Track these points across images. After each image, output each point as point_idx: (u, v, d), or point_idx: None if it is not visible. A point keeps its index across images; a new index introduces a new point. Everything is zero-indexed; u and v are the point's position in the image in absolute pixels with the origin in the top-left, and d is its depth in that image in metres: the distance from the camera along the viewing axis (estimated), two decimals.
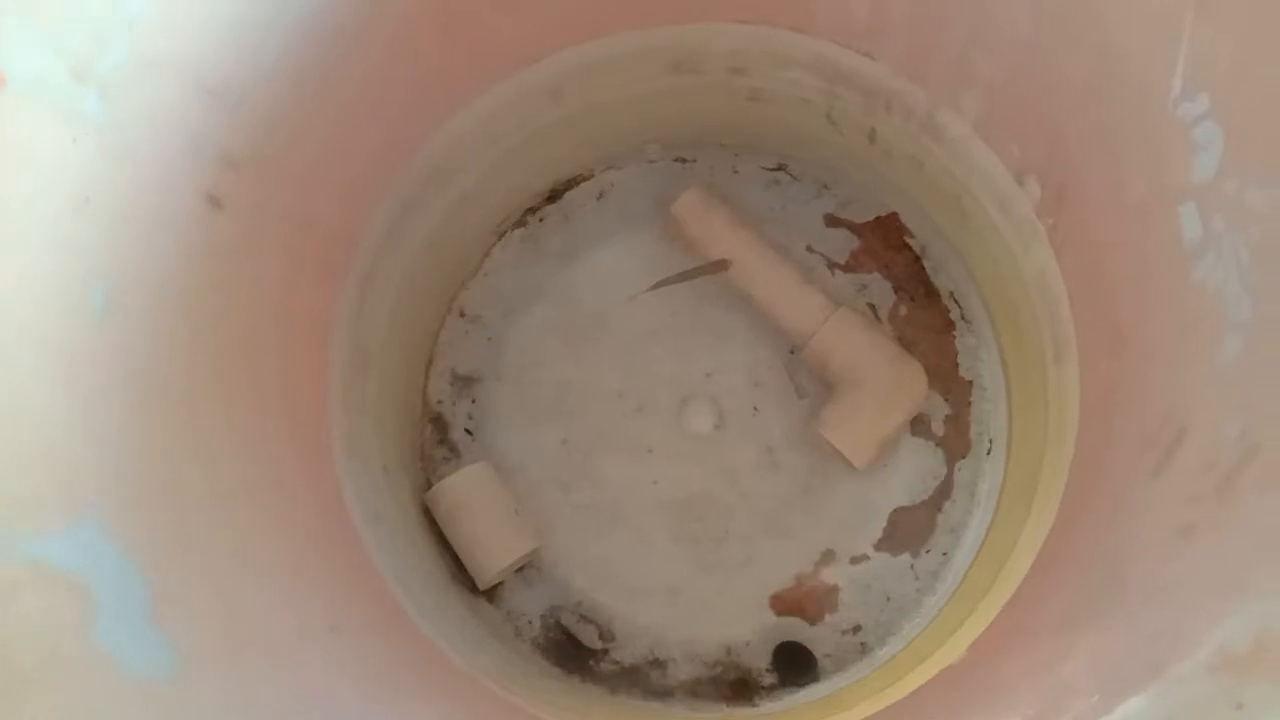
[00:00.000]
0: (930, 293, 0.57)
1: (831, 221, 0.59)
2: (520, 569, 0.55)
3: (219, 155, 0.37)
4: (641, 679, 0.53)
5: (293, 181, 0.42)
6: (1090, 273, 0.43)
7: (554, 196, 0.59)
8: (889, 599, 0.54)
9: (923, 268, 0.57)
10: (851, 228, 0.58)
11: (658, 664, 0.53)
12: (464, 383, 0.58)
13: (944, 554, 0.54)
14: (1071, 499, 0.43)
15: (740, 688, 0.52)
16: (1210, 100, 0.33)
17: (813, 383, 0.56)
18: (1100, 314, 0.42)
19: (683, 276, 0.55)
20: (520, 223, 0.59)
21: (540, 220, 0.59)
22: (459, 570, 0.53)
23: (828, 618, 0.54)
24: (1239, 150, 0.32)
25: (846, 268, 0.58)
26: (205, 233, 0.37)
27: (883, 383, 0.54)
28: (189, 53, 0.35)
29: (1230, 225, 0.33)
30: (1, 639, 0.19)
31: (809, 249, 0.58)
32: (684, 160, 0.60)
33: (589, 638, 0.54)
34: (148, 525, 0.28)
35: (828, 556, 0.55)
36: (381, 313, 0.52)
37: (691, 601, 0.54)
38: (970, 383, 0.56)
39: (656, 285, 0.55)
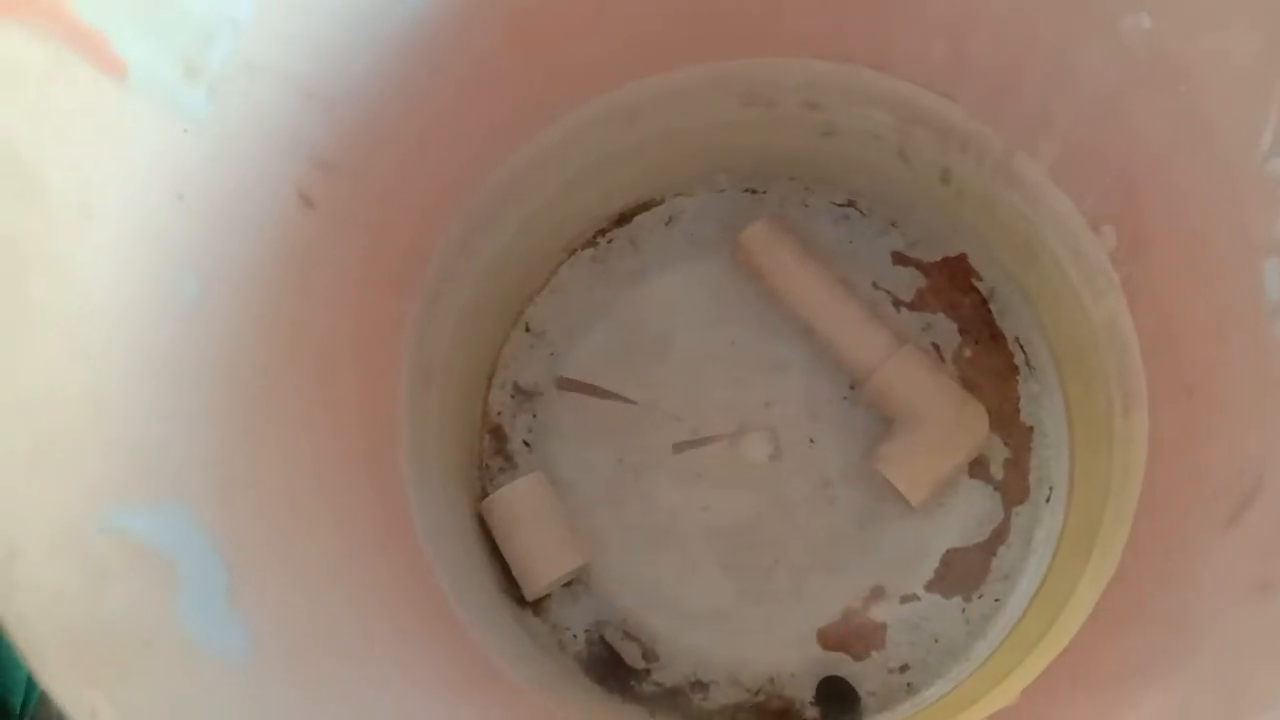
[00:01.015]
0: (995, 336, 0.57)
1: (899, 259, 0.59)
2: (568, 583, 0.55)
3: (312, 156, 0.38)
4: (682, 702, 0.53)
5: (376, 189, 0.43)
6: (1164, 323, 0.43)
7: (623, 220, 0.60)
8: (937, 641, 0.53)
9: (989, 310, 0.57)
10: (919, 266, 0.58)
11: (700, 686, 0.53)
12: (525, 396, 0.58)
13: (996, 599, 0.54)
14: (1134, 549, 0.42)
15: (783, 718, 0.52)
16: None
17: (872, 419, 0.56)
18: (1173, 365, 0.42)
19: (595, 391, 0.56)
20: (590, 243, 0.60)
21: (609, 242, 0.60)
22: (508, 580, 0.54)
23: (874, 655, 0.53)
24: None
25: (912, 306, 0.58)
26: (295, 231, 0.38)
27: (943, 422, 0.54)
28: (289, 56, 0.37)
29: None
30: (100, 628, 0.20)
31: (875, 285, 0.58)
32: (754, 191, 0.60)
33: (632, 656, 0.54)
34: (227, 513, 0.29)
35: (877, 593, 0.54)
36: (448, 324, 0.53)
37: (737, 628, 0.54)
38: (1032, 429, 0.56)
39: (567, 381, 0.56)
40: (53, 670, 0.18)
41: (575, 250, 0.60)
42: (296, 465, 0.35)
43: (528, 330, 0.60)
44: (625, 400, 0.56)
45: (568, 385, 0.57)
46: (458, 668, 0.41)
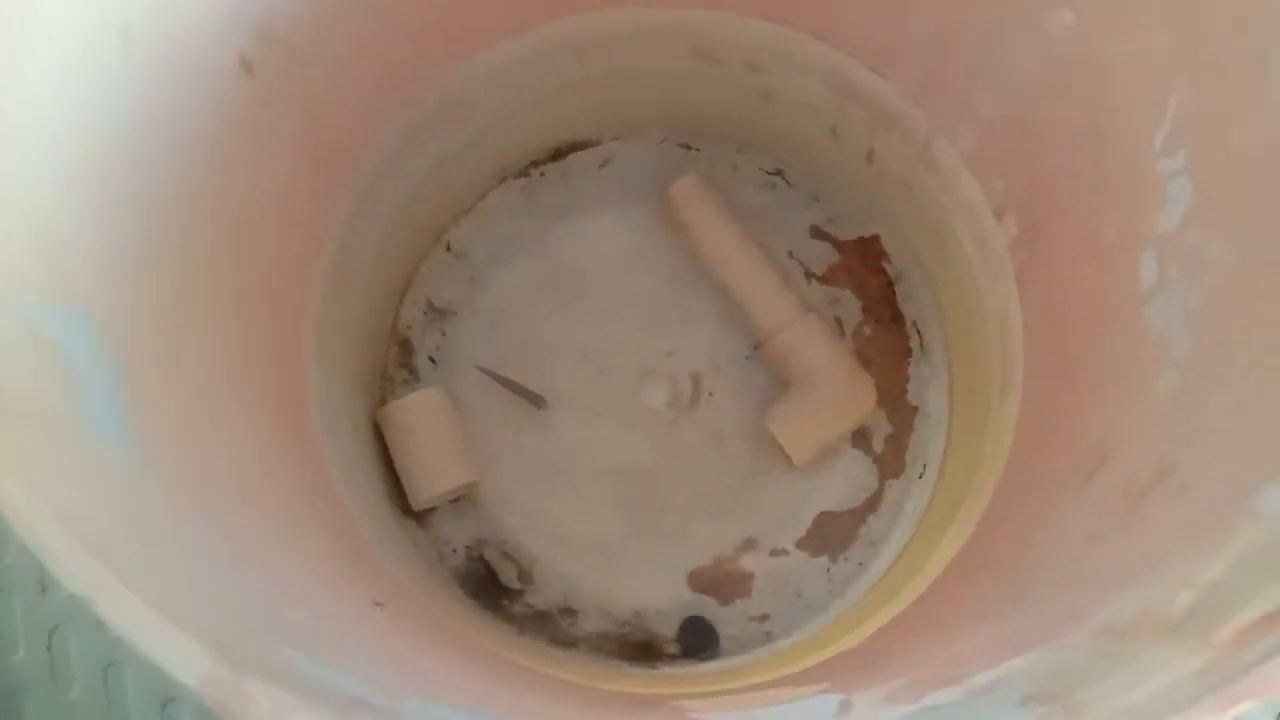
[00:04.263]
0: (896, 318, 0.60)
1: (817, 233, 0.61)
2: (455, 499, 0.56)
3: (258, 25, 0.38)
4: (550, 625, 0.54)
5: (313, 74, 0.44)
6: (1049, 311, 0.45)
7: (558, 155, 0.61)
8: (800, 595, 0.56)
9: (893, 293, 0.60)
10: (834, 243, 0.61)
11: (569, 612, 0.55)
12: (437, 314, 0.59)
13: (860, 563, 0.56)
14: (990, 521, 0.45)
15: (644, 650, 0.54)
16: (1186, 157, 0.35)
17: (769, 380, 0.58)
18: (1051, 350, 0.45)
19: (506, 383, 0.57)
20: (522, 173, 0.61)
21: (541, 175, 0.61)
22: (396, 490, 0.55)
23: (739, 602, 0.56)
24: (1204, 205, 0.35)
25: (823, 280, 0.60)
26: (233, 95, 0.38)
27: (835, 390, 0.56)
28: None
29: (1184, 273, 0.35)
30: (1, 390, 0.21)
31: (790, 255, 0.60)
32: (689, 147, 0.62)
33: (508, 576, 0.55)
34: (130, 338, 0.29)
35: (750, 544, 0.56)
36: (372, 230, 0.53)
37: (612, 562, 0.56)
38: (916, 409, 0.58)
39: (482, 370, 0.57)
40: None
41: (507, 178, 0.61)
42: (203, 318, 0.36)
43: (449, 250, 0.60)
44: (534, 396, 0.57)
45: (484, 372, 0.58)
46: (343, 554, 0.42)
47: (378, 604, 0.35)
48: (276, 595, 0.28)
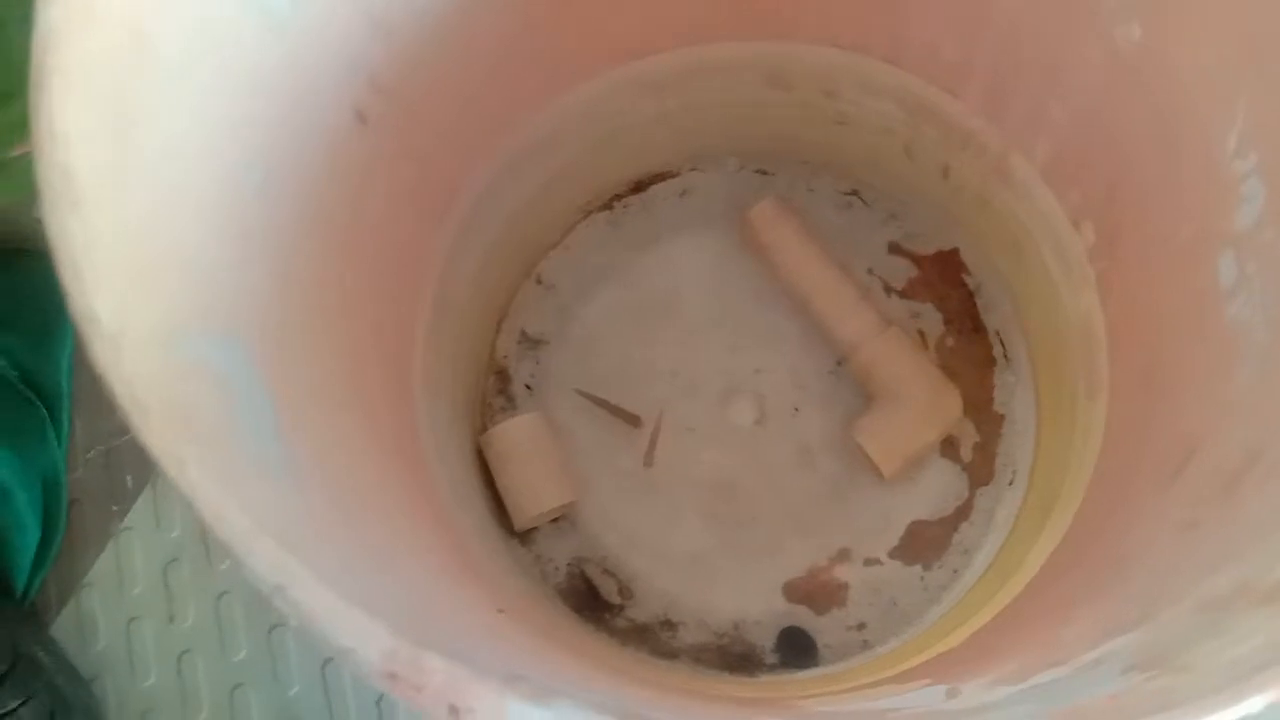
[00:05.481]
0: (978, 329, 0.61)
1: (895, 250, 0.62)
2: (555, 519, 0.58)
3: (370, 78, 0.41)
4: (651, 638, 0.56)
5: (420, 118, 0.47)
6: (1132, 315, 0.46)
7: (640, 187, 0.64)
8: (895, 604, 0.57)
9: (974, 305, 0.61)
10: (913, 258, 0.62)
11: (669, 625, 0.57)
12: (531, 343, 0.62)
13: (954, 570, 0.57)
14: (1082, 521, 0.46)
15: (744, 661, 0.55)
16: (1258, 158, 0.37)
17: (854, 394, 0.60)
18: (1136, 353, 0.46)
19: (603, 404, 0.60)
20: (606, 206, 0.64)
21: (625, 207, 0.64)
22: (500, 511, 0.57)
23: (835, 611, 0.57)
24: (1278, 204, 0.36)
25: (903, 294, 0.62)
26: (348, 145, 0.41)
27: (920, 401, 0.57)
28: None
29: (1262, 268, 0.36)
30: (186, 408, 0.23)
31: (870, 271, 0.62)
32: (764, 172, 0.64)
33: (609, 591, 0.57)
34: (275, 366, 0.32)
35: (843, 555, 0.58)
36: (469, 265, 0.56)
37: (710, 575, 0.58)
38: (1003, 417, 0.59)
39: (581, 393, 0.60)
40: (153, 425, 0.21)
41: (591, 212, 0.64)
42: (327, 346, 0.39)
43: (539, 282, 0.63)
44: (629, 415, 0.60)
45: (583, 395, 0.60)
46: (466, 574, 0.44)
47: (500, 610, 0.37)
48: (417, 602, 0.30)
